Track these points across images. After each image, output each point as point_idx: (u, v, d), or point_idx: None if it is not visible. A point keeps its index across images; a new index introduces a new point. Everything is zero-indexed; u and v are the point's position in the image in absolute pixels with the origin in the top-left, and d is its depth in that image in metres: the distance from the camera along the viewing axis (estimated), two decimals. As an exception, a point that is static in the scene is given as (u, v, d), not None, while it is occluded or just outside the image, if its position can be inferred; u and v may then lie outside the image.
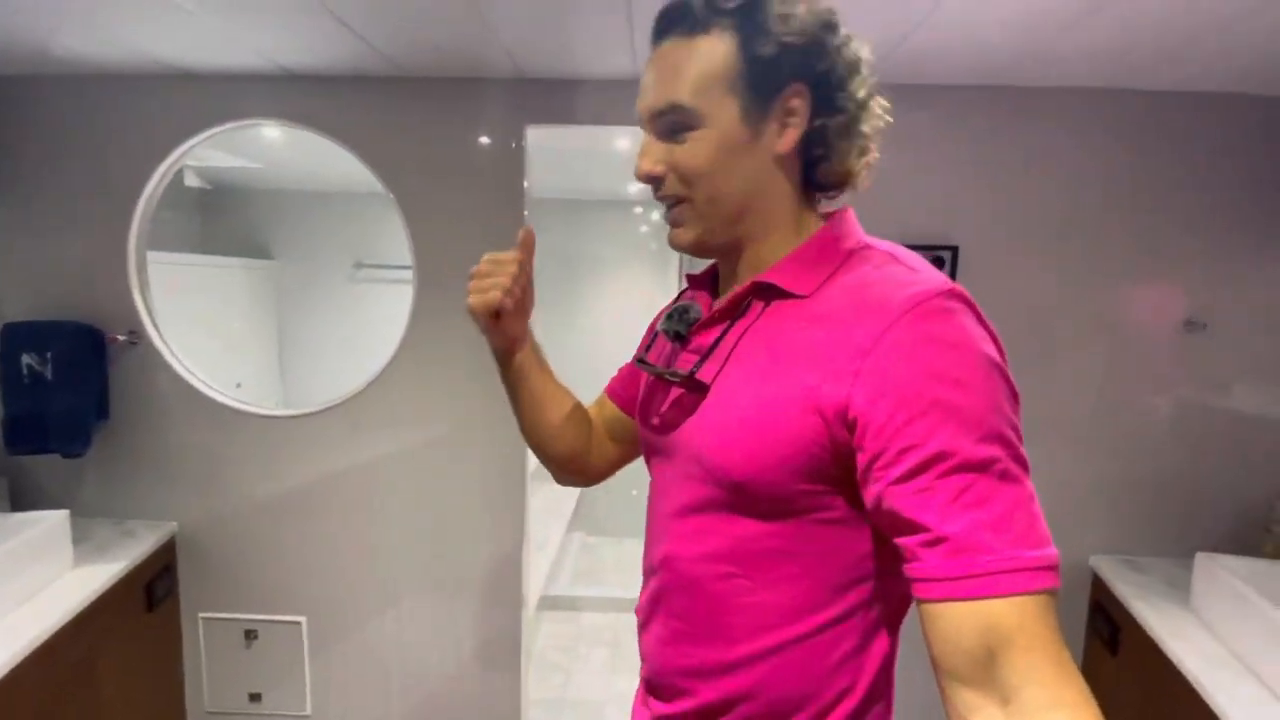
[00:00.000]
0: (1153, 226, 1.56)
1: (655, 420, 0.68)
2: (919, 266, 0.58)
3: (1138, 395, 1.62)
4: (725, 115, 0.59)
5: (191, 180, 2.69)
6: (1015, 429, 0.50)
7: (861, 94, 0.61)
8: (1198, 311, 1.57)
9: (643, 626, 0.71)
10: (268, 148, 2.27)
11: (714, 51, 0.58)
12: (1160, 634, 1.33)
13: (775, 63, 0.57)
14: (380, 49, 1.37)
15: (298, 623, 1.74)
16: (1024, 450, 0.50)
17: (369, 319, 2.99)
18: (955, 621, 0.46)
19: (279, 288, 3.08)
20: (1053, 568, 0.47)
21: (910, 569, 0.49)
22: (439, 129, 1.59)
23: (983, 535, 0.46)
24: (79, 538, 1.50)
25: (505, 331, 0.77)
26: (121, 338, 1.61)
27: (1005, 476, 0.48)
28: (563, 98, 1.56)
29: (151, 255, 1.69)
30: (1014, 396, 0.52)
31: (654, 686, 0.69)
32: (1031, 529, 0.47)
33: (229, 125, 1.59)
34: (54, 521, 1.41)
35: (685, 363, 0.65)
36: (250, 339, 2.97)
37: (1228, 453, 1.61)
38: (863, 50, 0.61)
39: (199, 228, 2.99)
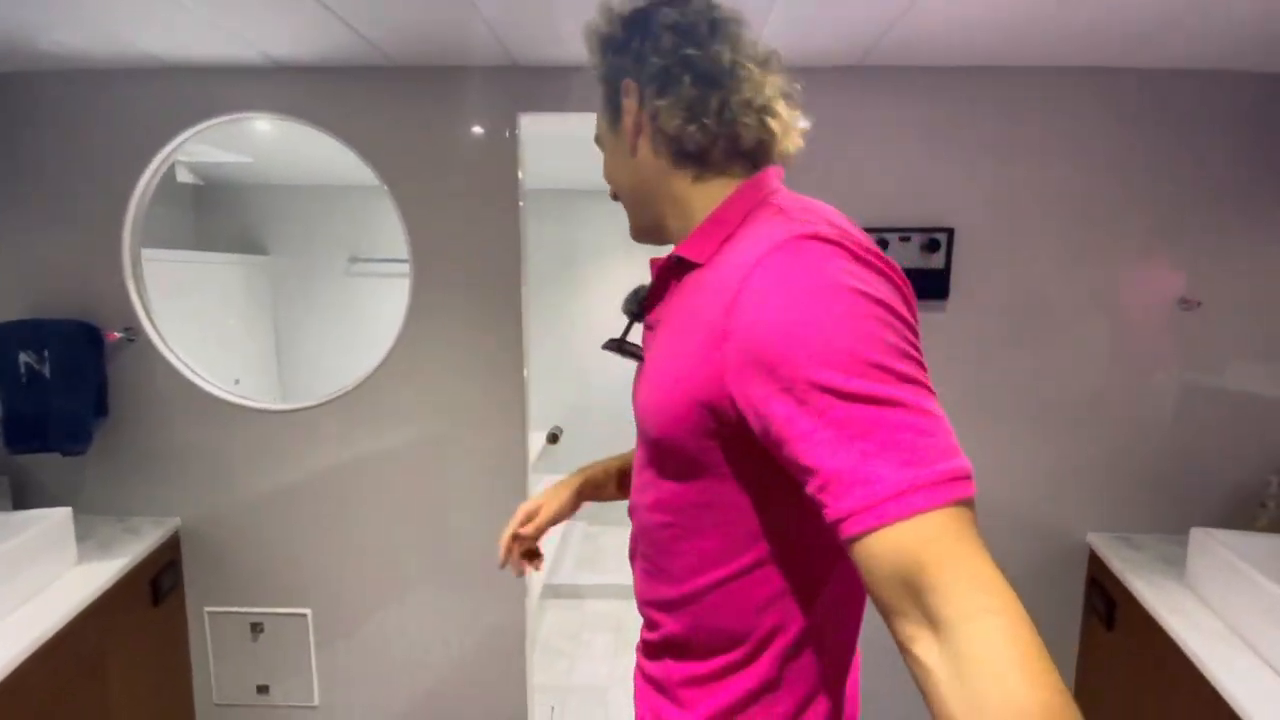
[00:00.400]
0: (1148, 205, 1.56)
1: (635, 386, 0.72)
2: (796, 215, 0.57)
3: (1134, 374, 1.63)
4: (602, 131, 0.73)
5: (184, 176, 2.67)
6: (898, 350, 0.48)
7: (680, 62, 0.63)
8: (1193, 289, 1.57)
9: (631, 564, 0.77)
10: (259, 142, 2.26)
11: (600, 82, 0.71)
12: (1157, 609, 1.35)
13: (607, 72, 0.69)
14: (368, 37, 1.36)
15: (303, 615, 1.75)
16: (916, 371, 0.48)
17: (365, 313, 2.99)
18: (869, 556, 0.45)
19: (274, 283, 3.07)
20: (950, 480, 0.44)
21: (823, 515, 0.47)
22: (431, 119, 1.58)
23: (871, 464, 0.44)
24: (82, 535, 1.51)
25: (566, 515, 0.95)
26: (118, 334, 1.61)
27: (886, 401, 0.45)
28: (556, 85, 1.55)
29: (147, 253, 1.69)
30: (895, 319, 0.49)
31: (642, 616, 0.76)
32: (919, 446, 0.44)
33: (219, 119, 1.58)
34: (56, 519, 1.42)
35: (645, 339, 0.73)
36: (247, 335, 2.96)
37: (1222, 430, 1.62)
38: (707, 27, 0.64)
39: (193, 224, 2.98)
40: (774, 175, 0.66)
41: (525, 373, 1.70)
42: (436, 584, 1.75)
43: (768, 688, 0.64)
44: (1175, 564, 1.49)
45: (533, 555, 0.96)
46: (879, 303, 0.49)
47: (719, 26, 0.64)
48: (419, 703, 1.80)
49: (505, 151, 1.58)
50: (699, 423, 0.57)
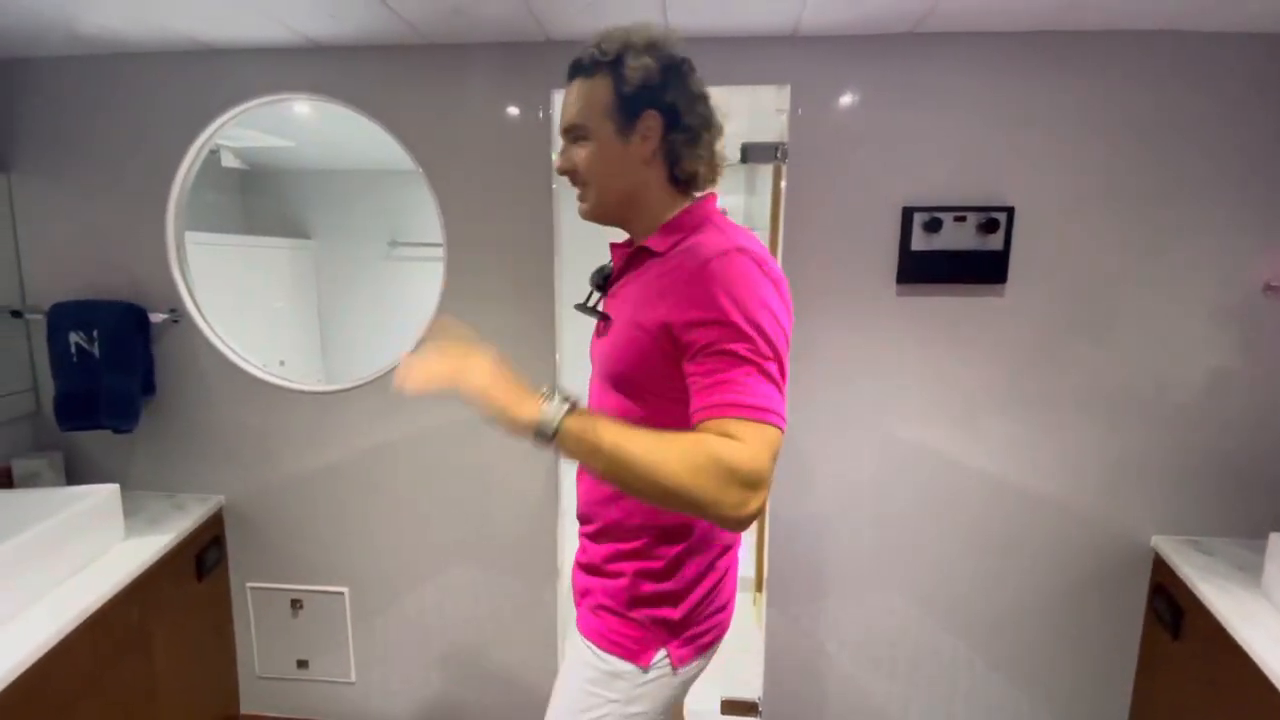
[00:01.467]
0: (1232, 181, 1.43)
1: (594, 341, 1.00)
2: (731, 234, 0.86)
3: (1208, 365, 1.50)
4: (604, 132, 0.89)
5: (229, 161, 2.72)
6: (768, 339, 0.78)
7: (700, 117, 0.91)
8: (1279, 274, 1.44)
9: (578, 482, 1.03)
10: (300, 126, 2.27)
11: (597, 88, 0.89)
12: (1229, 618, 1.25)
13: (635, 97, 0.87)
14: (400, 12, 1.34)
15: (341, 593, 1.78)
16: (775, 352, 0.78)
17: (405, 295, 3.01)
18: (716, 424, 0.75)
19: (318, 267, 3.12)
20: (761, 409, 0.75)
21: (692, 405, 0.79)
22: (464, 98, 1.55)
23: (725, 392, 0.76)
24: (130, 510, 1.56)
25: None
26: (164, 316, 1.64)
27: (745, 361, 0.76)
28: (590, 61, 1.50)
29: (198, 236, 1.72)
30: (775, 318, 0.79)
31: (581, 515, 1.03)
32: (747, 390, 0.76)
33: (258, 101, 1.58)
34: (105, 494, 1.46)
35: (606, 305, 0.98)
36: (292, 317, 3.02)
37: (1307, 427, 1.49)
38: (705, 88, 0.92)
39: (241, 209, 3.04)
40: (714, 199, 0.95)
41: (557, 355, 1.67)
42: (471, 563, 1.75)
43: (675, 559, 0.94)
44: (1250, 570, 1.38)
45: None
46: (765, 305, 0.79)
47: (707, 93, 0.92)
48: (452, 680, 1.82)
49: (539, 132, 1.55)
50: (656, 348, 0.84)
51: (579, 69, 0.91)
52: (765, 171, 2.59)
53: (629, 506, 0.93)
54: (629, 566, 0.94)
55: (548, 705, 1.02)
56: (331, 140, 2.55)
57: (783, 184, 1.55)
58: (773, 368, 0.77)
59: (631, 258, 0.94)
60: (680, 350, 0.81)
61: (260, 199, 3.05)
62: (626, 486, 0.75)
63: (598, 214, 0.95)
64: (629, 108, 0.88)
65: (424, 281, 2.75)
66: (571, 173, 0.93)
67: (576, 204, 0.96)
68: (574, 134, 0.91)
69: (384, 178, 2.99)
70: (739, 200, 3.09)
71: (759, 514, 0.73)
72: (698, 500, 0.71)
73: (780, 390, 0.78)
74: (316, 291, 3.14)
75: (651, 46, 0.87)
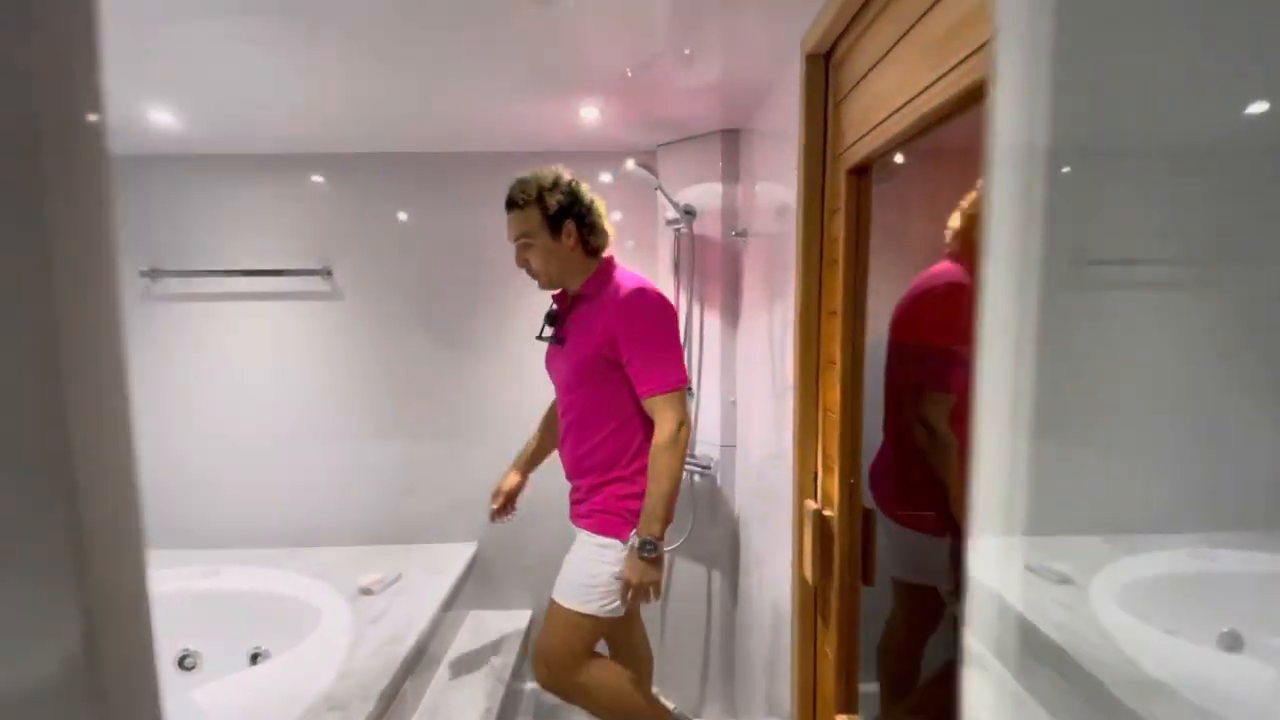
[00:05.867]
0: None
1: (556, 362, 1.70)
2: (633, 278, 1.61)
3: None
4: (542, 238, 1.58)
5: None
6: (668, 345, 1.57)
7: (594, 213, 1.62)
8: None
9: (561, 445, 1.72)
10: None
11: (531, 215, 1.58)
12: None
13: (556, 215, 1.57)
14: None
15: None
16: (677, 344, 1.60)
17: (181, 357, 2.46)
18: (651, 402, 1.56)
19: None
20: (675, 385, 1.55)
21: (638, 389, 1.57)
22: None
23: (652, 378, 1.54)
24: None
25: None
26: None
27: (659, 360, 1.54)
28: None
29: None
30: (672, 323, 1.60)
31: (570, 472, 1.71)
32: (669, 372, 1.54)
33: None
34: None
35: (560, 332, 1.68)
36: None
37: None
38: (589, 194, 1.62)
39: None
40: (613, 257, 1.67)
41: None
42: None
43: (633, 474, 1.61)
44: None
45: (505, 512, 1.89)
46: (667, 317, 1.60)
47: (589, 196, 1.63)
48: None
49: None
50: (603, 357, 1.56)
51: (513, 205, 1.59)
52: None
53: (593, 459, 1.63)
54: (608, 487, 1.61)
55: (559, 573, 1.64)
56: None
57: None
58: (669, 354, 1.55)
59: (573, 302, 1.66)
60: (617, 353, 1.55)
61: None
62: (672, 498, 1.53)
63: (549, 284, 1.65)
64: (555, 223, 1.57)
65: (214, 332, 2.32)
66: (526, 265, 1.63)
67: (536, 281, 1.66)
68: (523, 241, 1.59)
69: (141, 166, 2.32)
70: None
71: (689, 432, 1.56)
72: (680, 465, 1.53)
73: (678, 361, 1.57)
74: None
75: (556, 185, 1.57)
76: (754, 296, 1.95)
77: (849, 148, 1.18)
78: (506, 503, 1.86)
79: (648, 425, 1.58)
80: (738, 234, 2.02)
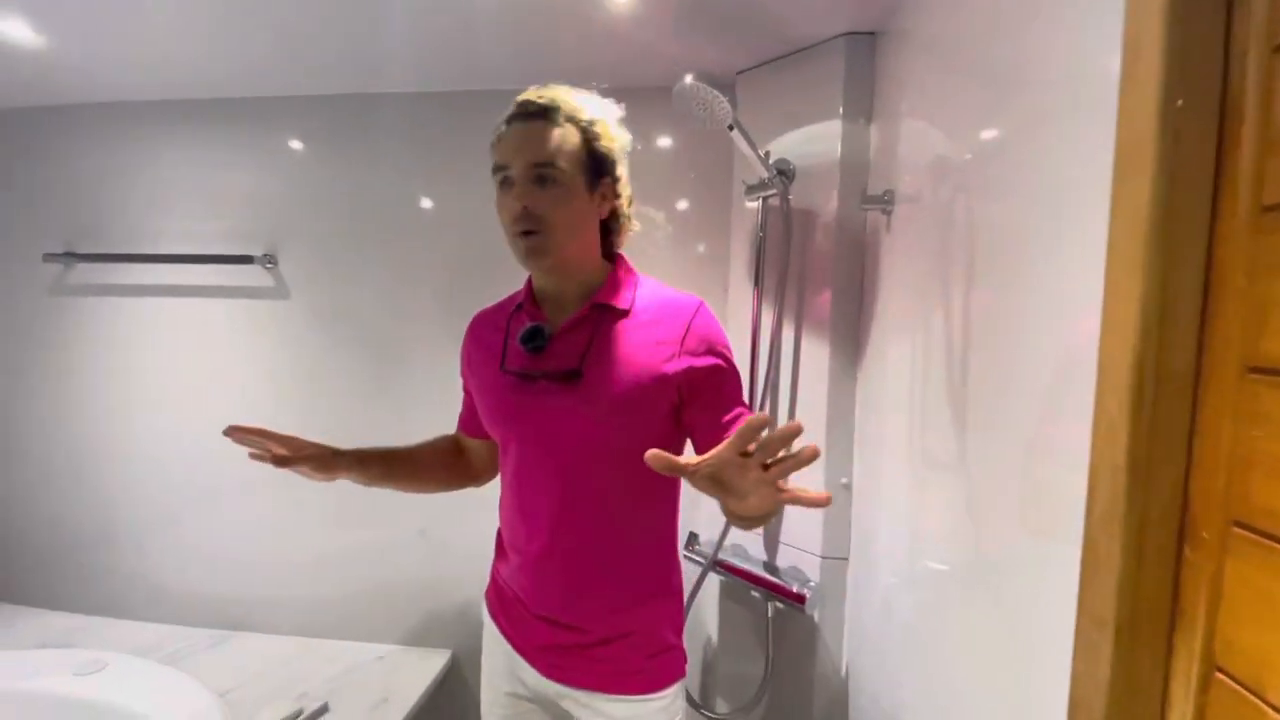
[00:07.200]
0: None
1: (538, 413, 0.92)
2: (669, 288, 0.98)
3: None
4: (577, 181, 0.88)
5: None
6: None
7: (629, 194, 0.98)
8: None
9: (534, 565, 1.00)
10: None
11: (571, 138, 0.88)
12: None
13: (602, 160, 0.90)
14: None
15: None
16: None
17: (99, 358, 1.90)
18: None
19: None
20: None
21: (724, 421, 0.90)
22: None
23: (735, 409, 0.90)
24: None
25: (322, 476, 0.97)
26: None
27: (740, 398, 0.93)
28: None
29: None
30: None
31: (560, 608, 0.97)
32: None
33: None
34: None
35: (556, 364, 0.92)
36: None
37: None
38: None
39: None
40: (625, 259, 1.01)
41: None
42: None
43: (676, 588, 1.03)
44: None
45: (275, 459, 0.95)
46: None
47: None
48: None
49: None
50: (663, 395, 0.88)
51: (546, 114, 0.88)
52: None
53: (630, 587, 0.95)
54: (643, 620, 0.95)
55: None
56: None
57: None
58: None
59: (586, 318, 0.93)
60: (689, 395, 0.88)
61: None
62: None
63: (554, 260, 0.90)
64: (597, 167, 0.90)
65: (141, 327, 1.75)
66: (525, 214, 0.87)
67: (525, 255, 0.89)
68: (544, 171, 0.86)
69: (42, 118, 1.74)
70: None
71: None
72: None
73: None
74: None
75: (621, 125, 0.94)
76: (904, 305, 1.11)
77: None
78: (283, 454, 0.94)
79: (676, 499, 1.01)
80: (874, 202, 1.18)
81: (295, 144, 1.68)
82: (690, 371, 0.87)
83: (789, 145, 1.34)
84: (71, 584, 1.85)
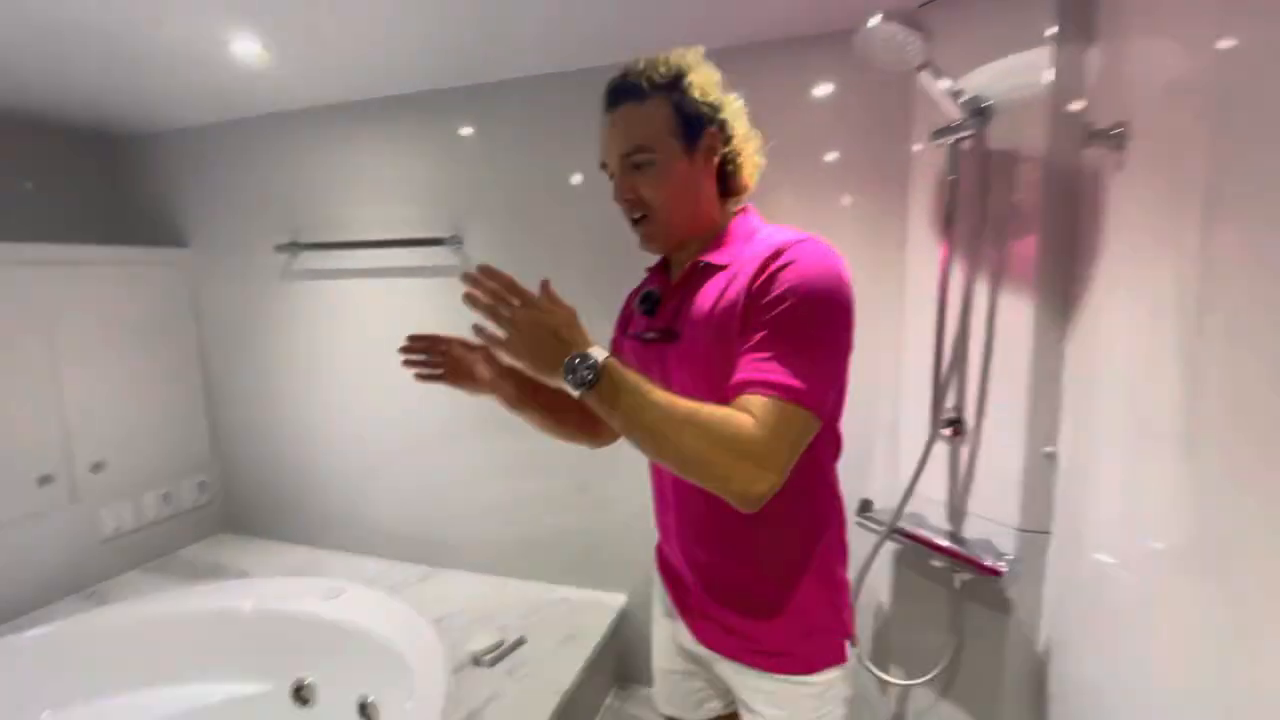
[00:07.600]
0: None
1: (650, 374, 0.83)
2: (791, 230, 0.86)
3: None
4: (672, 153, 0.88)
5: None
6: (822, 341, 0.79)
7: (745, 127, 0.92)
8: None
9: (672, 516, 1.00)
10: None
11: (658, 111, 0.87)
12: None
13: (696, 116, 0.87)
14: None
15: None
16: (833, 335, 0.80)
17: (322, 334, 2.05)
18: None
19: (196, 289, 2.20)
20: (795, 398, 0.74)
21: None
22: None
23: (770, 366, 0.76)
24: None
25: (476, 389, 1.04)
26: None
27: (798, 353, 0.77)
28: None
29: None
30: (837, 324, 0.80)
31: (699, 569, 0.97)
32: (795, 375, 0.75)
33: None
34: None
35: (661, 323, 0.93)
36: (151, 376, 2.25)
37: None
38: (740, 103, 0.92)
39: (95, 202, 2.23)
40: (754, 210, 0.96)
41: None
42: None
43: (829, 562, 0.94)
44: None
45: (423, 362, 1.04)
46: (840, 298, 0.80)
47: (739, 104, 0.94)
48: None
49: None
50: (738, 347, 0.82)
51: (629, 92, 0.88)
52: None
53: (763, 549, 0.90)
54: (798, 591, 0.90)
55: None
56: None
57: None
58: (818, 353, 0.77)
59: (688, 276, 0.92)
60: (743, 327, 0.81)
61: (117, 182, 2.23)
62: (655, 445, 0.76)
63: (668, 240, 0.94)
64: (692, 126, 0.88)
65: (353, 305, 1.97)
66: (632, 202, 0.91)
67: (639, 237, 0.94)
68: (636, 158, 0.89)
69: (269, 125, 1.97)
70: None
71: (769, 494, 0.74)
72: (711, 473, 0.74)
73: (824, 373, 0.78)
74: (197, 333, 2.23)
75: (707, 63, 0.90)
76: (1140, 257, 0.98)
77: None
78: (439, 352, 1.04)
79: (832, 482, 0.94)
80: (1101, 139, 1.04)
81: (465, 130, 1.79)
82: (750, 310, 0.80)
83: (984, 80, 1.20)
84: (308, 523, 2.19)
